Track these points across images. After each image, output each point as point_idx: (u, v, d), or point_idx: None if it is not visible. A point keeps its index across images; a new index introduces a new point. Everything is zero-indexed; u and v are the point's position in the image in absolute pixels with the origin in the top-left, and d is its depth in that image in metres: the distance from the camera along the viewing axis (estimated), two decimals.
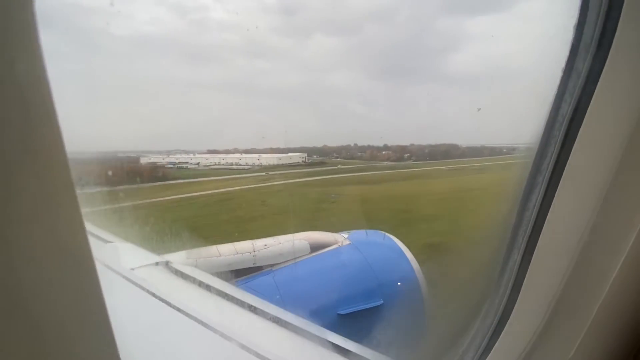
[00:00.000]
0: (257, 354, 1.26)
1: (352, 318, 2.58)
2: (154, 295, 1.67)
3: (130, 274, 1.88)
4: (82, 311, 0.39)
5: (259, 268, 2.77)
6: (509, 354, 0.64)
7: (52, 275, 0.36)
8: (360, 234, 3.35)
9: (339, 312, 2.60)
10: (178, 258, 2.44)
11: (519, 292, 0.63)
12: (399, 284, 2.93)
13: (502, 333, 0.65)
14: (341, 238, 3.14)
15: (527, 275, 0.62)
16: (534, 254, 0.61)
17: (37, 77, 0.32)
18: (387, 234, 3.36)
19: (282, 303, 1.92)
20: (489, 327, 0.67)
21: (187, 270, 2.07)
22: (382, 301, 2.69)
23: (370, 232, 3.59)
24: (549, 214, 0.59)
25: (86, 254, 0.38)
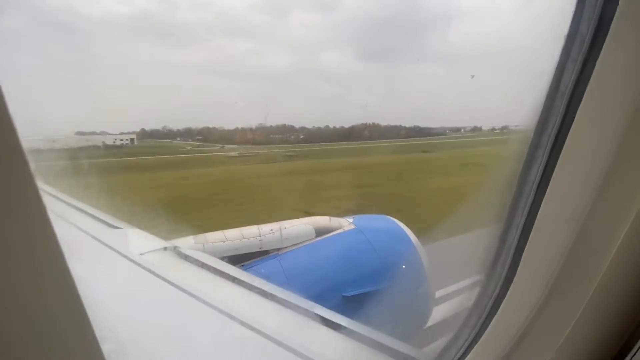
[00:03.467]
0: (263, 334, 1.29)
1: (356, 300, 2.63)
2: (163, 279, 1.71)
3: (140, 258, 1.93)
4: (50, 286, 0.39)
5: (266, 252, 2.81)
6: (504, 334, 0.65)
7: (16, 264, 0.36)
8: (365, 219, 3.37)
9: (344, 295, 2.66)
10: (186, 243, 2.48)
11: (516, 270, 0.63)
12: (403, 266, 2.96)
13: (498, 312, 0.65)
14: (346, 222, 3.17)
15: (524, 253, 0.62)
16: (532, 230, 0.60)
17: None
18: (391, 217, 3.38)
19: (288, 286, 1.95)
20: (486, 305, 0.67)
21: (195, 254, 2.11)
22: (386, 283, 2.73)
23: (375, 216, 3.61)
24: (548, 190, 0.57)
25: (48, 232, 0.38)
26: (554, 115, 0.55)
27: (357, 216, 3.34)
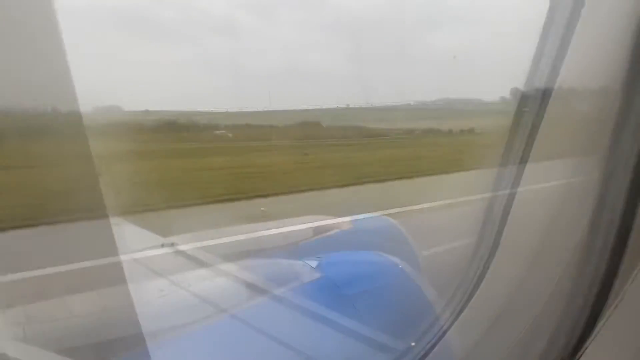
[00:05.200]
0: (260, 331, 1.31)
1: (353, 299, 2.63)
2: (160, 275, 1.73)
3: (136, 255, 1.94)
4: None
5: (263, 250, 2.82)
6: (484, 310, 0.67)
7: None
8: (364, 219, 3.38)
9: (340, 293, 2.66)
10: (183, 240, 2.49)
11: (498, 245, 0.66)
12: (399, 266, 2.97)
13: (480, 288, 0.68)
14: (344, 222, 3.18)
15: (504, 231, 0.65)
16: (510, 212, 0.64)
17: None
18: (391, 219, 3.39)
19: (284, 283, 1.96)
20: (472, 279, 0.71)
21: (192, 251, 2.12)
22: (382, 283, 2.73)
23: (373, 216, 3.62)
24: (526, 167, 0.61)
25: None
26: (530, 105, 0.58)
27: (355, 216, 3.35)
